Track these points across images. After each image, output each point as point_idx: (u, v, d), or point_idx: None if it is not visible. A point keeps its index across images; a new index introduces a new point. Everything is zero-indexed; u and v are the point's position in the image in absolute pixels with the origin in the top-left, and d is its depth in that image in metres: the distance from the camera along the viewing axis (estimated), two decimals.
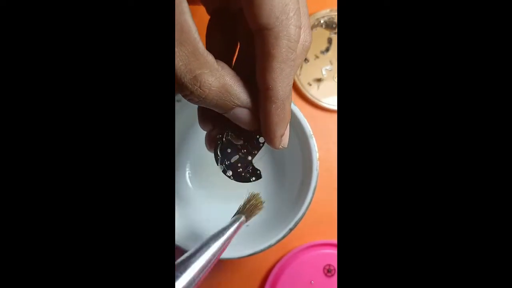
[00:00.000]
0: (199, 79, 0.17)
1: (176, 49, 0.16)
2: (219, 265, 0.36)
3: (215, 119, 0.22)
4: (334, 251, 0.35)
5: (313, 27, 0.38)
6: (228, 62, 0.21)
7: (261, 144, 0.22)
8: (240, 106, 0.19)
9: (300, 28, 0.17)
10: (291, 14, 0.16)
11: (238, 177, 0.22)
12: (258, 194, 0.27)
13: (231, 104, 0.19)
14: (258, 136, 0.22)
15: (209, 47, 0.22)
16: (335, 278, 0.35)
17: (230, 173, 0.22)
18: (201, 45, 0.17)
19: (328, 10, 0.39)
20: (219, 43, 0.21)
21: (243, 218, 0.26)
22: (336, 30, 0.38)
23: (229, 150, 0.22)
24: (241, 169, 0.22)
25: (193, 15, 0.16)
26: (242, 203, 0.27)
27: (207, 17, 0.22)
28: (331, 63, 0.38)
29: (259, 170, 0.22)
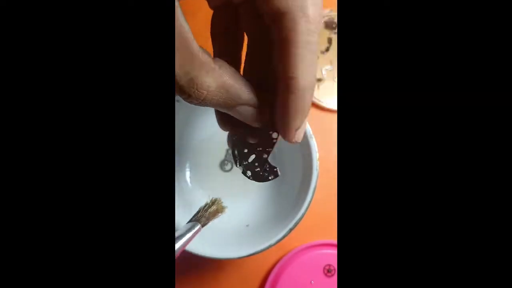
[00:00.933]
0: (196, 81, 0.16)
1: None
2: (219, 265, 0.36)
3: (233, 118, 0.21)
4: (334, 251, 0.35)
5: None
6: (234, 56, 0.21)
7: (274, 140, 0.21)
8: (242, 104, 0.19)
9: (318, 5, 0.16)
10: None
11: (257, 177, 0.22)
12: (219, 200, 0.27)
13: (232, 103, 0.18)
14: (271, 132, 0.21)
15: (215, 42, 0.21)
16: (335, 278, 0.35)
17: (249, 173, 0.22)
18: (195, 45, 0.16)
19: (328, 10, 0.39)
20: (225, 38, 0.20)
21: (199, 226, 0.25)
22: (336, 30, 0.38)
23: (245, 150, 0.21)
24: (258, 169, 0.22)
25: (194, 16, 0.16)
26: (201, 209, 0.26)
27: (208, 18, 0.21)
28: (331, 63, 0.38)
29: (276, 168, 0.22)
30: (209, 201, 0.27)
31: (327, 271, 0.35)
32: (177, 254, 0.22)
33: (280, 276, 0.35)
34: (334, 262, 0.35)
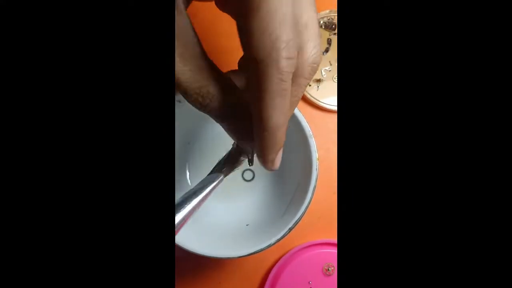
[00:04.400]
0: (202, 90, 0.17)
1: (180, 64, 0.16)
2: (218, 264, 0.36)
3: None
4: (333, 251, 0.35)
5: None
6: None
7: (250, 164, 0.23)
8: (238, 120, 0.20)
9: (292, 58, 0.17)
10: (283, 46, 0.16)
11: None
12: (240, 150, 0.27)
13: (229, 115, 0.19)
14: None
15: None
16: (334, 277, 0.35)
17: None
18: (204, 60, 0.17)
19: (327, 11, 0.39)
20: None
21: (222, 177, 0.25)
22: (335, 31, 0.39)
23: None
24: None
25: (195, 15, 0.16)
26: (221, 162, 0.27)
27: (209, 18, 0.21)
28: (330, 63, 0.38)
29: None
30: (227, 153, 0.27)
31: (326, 270, 0.35)
32: (200, 206, 0.22)
33: (280, 275, 0.35)
34: (333, 262, 0.35)
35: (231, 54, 0.37)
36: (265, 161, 0.20)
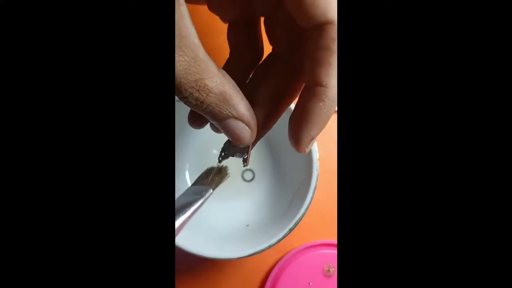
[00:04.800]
0: (199, 83, 0.17)
1: (176, 55, 0.16)
2: (218, 265, 0.36)
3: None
4: (333, 251, 0.35)
5: None
6: (252, 68, 0.21)
7: (244, 164, 0.22)
8: (236, 118, 0.19)
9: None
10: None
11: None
12: (226, 167, 0.26)
13: (227, 113, 0.18)
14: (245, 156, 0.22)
15: (232, 55, 0.21)
16: (334, 278, 0.35)
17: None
18: (201, 51, 0.16)
19: None
20: (244, 49, 0.21)
21: (211, 191, 0.24)
22: None
23: (226, 152, 0.23)
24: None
25: (193, 15, 0.16)
26: (209, 174, 0.26)
27: (207, 17, 0.21)
28: None
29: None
30: (214, 167, 0.26)
31: (327, 271, 0.35)
32: (187, 221, 0.22)
33: (280, 276, 0.35)
34: (333, 262, 0.35)
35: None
36: (304, 139, 0.18)
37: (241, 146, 0.20)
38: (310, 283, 0.35)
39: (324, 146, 0.37)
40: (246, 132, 0.19)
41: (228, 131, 0.19)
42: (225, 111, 0.18)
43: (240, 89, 0.19)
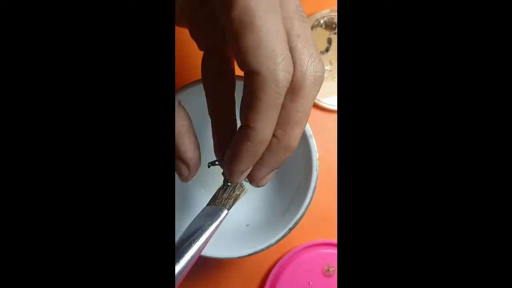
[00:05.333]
0: None
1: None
2: (218, 264, 0.36)
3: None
4: (333, 251, 0.35)
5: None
6: (225, 99, 0.22)
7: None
8: (178, 159, 0.20)
9: (289, 71, 0.17)
10: (279, 60, 0.16)
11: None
12: (242, 184, 0.25)
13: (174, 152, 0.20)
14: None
15: (205, 83, 0.22)
16: (334, 278, 0.35)
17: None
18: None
19: (328, 10, 0.39)
20: (215, 81, 0.22)
21: (226, 212, 0.23)
22: (335, 30, 0.38)
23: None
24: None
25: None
26: (223, 192, 0.25)
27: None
28: (330, 63, 0.38)
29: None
30: (229, 184, 0.25)
31: (327, 271, 0.35)
32: (206, 244, 0.21)
33: (280, 276, 0.35)
34: (333, 262, 0.35)
35: None
36: (234, 171, 0.20)
37: (182, 181, 0.22)
38: (310, 282, 0.35)
39: (324, 146, 0.37)
40: (184, 170, 0.22)
41: (175, 167, 0.21)
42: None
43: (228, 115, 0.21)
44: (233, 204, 0.24)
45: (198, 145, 0.22)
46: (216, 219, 0.22)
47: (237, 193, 0.25)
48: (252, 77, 0.17)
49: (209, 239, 0.21)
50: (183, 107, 0.21)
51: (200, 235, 0.21)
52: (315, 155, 0.29)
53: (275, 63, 0.16)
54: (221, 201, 0.24)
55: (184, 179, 0.22)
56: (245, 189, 0.25)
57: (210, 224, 0.22)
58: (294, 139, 0.19)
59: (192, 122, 0.21)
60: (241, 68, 0.17)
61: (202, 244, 0.21)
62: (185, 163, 0.21)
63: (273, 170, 0.21)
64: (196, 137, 0.21)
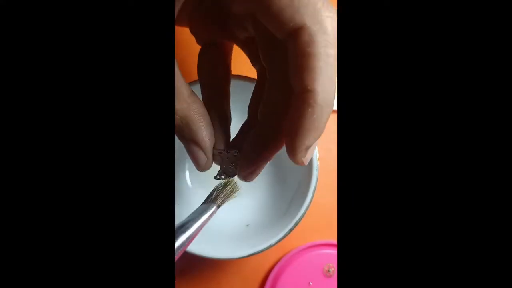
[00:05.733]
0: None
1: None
2: (218, 265, 0.36)
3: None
4: (334, 251, 0.35)
5: None
6: (220, 93, 0.22)
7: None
8: (195, 145, 0.20)
9: (333, 18, 0.15)
10: (319, 5, 0.15)
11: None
12: (234, 181, 0.26)
13: (188, 137, 0.19)
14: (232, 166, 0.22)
15: (201, 77, 0.22)
16: (334, 278, 0.35)
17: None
18: (179, 77, 0.18)
19: None
20: (212, 75, 0.22)
21: (214, 208, 0.24)
22: None
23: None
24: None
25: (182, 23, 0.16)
26: (216, 190, 0.26)
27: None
28: None
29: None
30: (223, 182, 0.26)
31: (327, 271, 0.35)
32: (193, 237, 0.22)
33: (280, 276, 0.35)
34: (334, 262, 0.35)
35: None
36: (299, 148, 0.17)
37: (199, 171, 0.21)
38: (310, 283, 0.35)
39: (324, 146, 0.37)
40: (202, 158, 0.20)
41: (188, 153, 0.20)
42: (187, 135, 0.19)
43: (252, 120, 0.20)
44: (223, 200, 0.25)
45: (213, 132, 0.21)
46: (203, 215, 0.23)
47: (228, 189, 0.26)
48: (299, 33, 0.15)
49: (195, 235, 0.22)
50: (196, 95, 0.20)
51: (183, 232, 0.21)
52: (316, 155, 0.29)
53: (315, 9, 0.15)
54: (212, 198, 0.25)
55: (200, 167, 0.21)
56: (235, 182, 0.26)
57: (196, 220, 0.22)
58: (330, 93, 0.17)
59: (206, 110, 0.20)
60: (280, 32, 0.16)
61: (186, 240, 0.21)
62: (204, 149, 0.20)
63: (317, 138, 0.17)
64: (211, 124, 0.20)
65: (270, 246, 0.29)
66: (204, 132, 0.20)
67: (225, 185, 0.26)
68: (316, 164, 0.29)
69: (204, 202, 0.25)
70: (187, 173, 0.36)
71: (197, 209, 0.24)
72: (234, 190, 0.27)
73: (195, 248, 0.29)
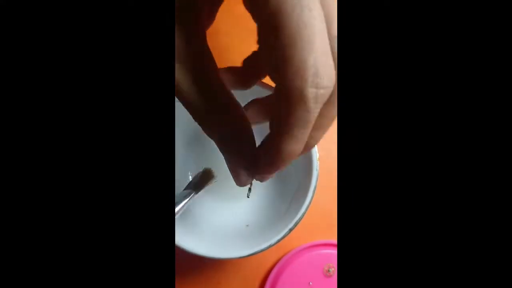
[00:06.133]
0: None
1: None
2: (218, 265, 0.36)
3: None
4: (334, 251, 0.35)
5: None
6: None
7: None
8: (239, 166, 0.20)
9: (330, 87, 0.15)
10: (324, 82, 0.15)
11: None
12: (209, 168, 0.29)
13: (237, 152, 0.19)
14: None
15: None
16: (334, 278, 0.35)
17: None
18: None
19: None
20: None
21: (193, 194, 0.27)
22: None
23: None
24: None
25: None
26: (196, 178, 0.29)
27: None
28: None
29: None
30: (201, 171, 0.29)
31: (327, 271, 0.35)
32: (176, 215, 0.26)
33: (280, 276, 0.35)
34: (334, 262, 0.35)
35: (231, 52, 0.37)
36: (263, 178, 0.21)
37: (239, 185, 0.22)
38: (310, 283, 0.35)
39: (325, 146, 0.37)
40: (244, 176, 0.21)
41: (232, 167, 0.21)
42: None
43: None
44: (199, 189, 0.28)
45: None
46: (184, 200, 0.26)
47: (205, 176, 0.29)
48: (289, 95, 0.15)
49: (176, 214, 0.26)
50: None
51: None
52: (315, 155, 0.29)
53: (315, 84, 0.15)
54: (192, 185, 0.28)
55: (243, 184, 0.21)
56: (214, 178, 0.29)
57: (178, 204, 0.26)
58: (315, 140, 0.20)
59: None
60: (279, 81, 0.15)
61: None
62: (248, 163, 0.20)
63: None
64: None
65: (270, 246, 0.29)
66: (248, 149, 0.19)
67: (203, 174, 0.29)
68: (316, 164, 0.29)
69: (185, 189, 0.28)
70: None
71: (179, 194, 0.27)
72: (210, 177, 0.29)
73: (195, 248, 0.29)
